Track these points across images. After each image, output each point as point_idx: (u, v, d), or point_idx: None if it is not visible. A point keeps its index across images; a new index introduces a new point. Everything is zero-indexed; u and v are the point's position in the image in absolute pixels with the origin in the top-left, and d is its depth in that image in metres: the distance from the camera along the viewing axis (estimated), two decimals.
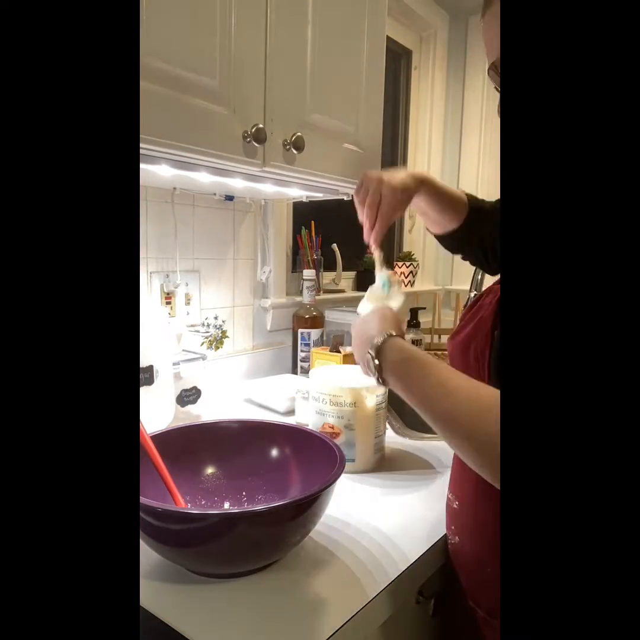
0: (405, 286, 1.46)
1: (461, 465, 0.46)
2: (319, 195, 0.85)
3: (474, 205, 0.60)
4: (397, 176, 0.54)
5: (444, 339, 1.34)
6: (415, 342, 1.17)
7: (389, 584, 0.42)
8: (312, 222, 1.12)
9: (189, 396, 0.70)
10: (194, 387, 0.71)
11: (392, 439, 0.71)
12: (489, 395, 0.32)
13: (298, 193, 0.82)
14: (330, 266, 1.21)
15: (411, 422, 0.80)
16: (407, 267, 1.45)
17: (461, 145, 1.54)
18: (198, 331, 0.84)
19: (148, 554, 0.42)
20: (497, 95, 0.39)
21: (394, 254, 1.54)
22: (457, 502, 0.47)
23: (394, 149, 1.51)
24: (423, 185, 0.56)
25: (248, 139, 0.57)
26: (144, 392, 0.62)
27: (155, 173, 0.60)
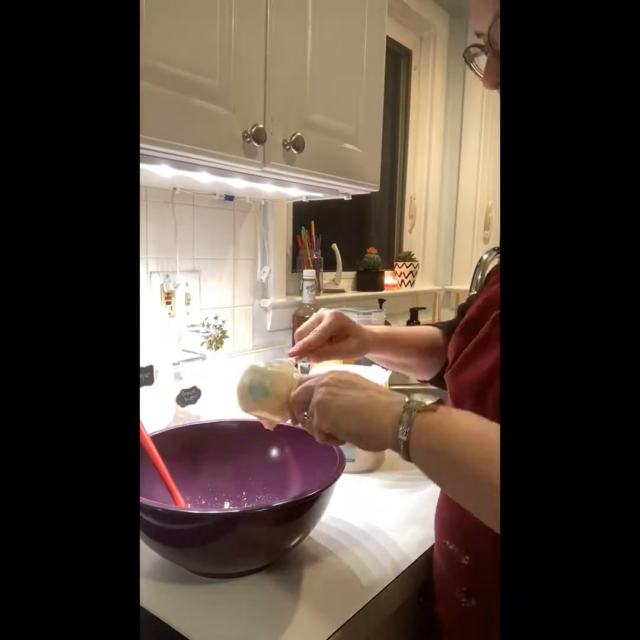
0: (406, 286, 1.46)
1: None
2: (319, 195, 0.85)
3: (450, 330, 0.49)
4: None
5: None
6: None
7: (389, 584, 0.42)
8: (312, 222, 1.12)
9: (189, 396, 0.70)
10: (194, 387, 0.71)
11: None
12: None
13: (298, 193, 0.82)
14: (330, 266, 1.21)
15: None
16: (407, 267, 1.45)
17: (461, 144, 1.54)
18: (198, 331, 0.84)
19: (148, 554, 0.42)
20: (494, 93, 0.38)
21: (394, 254, 1.54)
22: (467, 557, 0.38)
23: (393, 148, 1.51)
24: (379, 345, 0.48)
25: (248, 139, 0.57)
26: (144, 392, 0.62)
27: (155, 173, 0.60)
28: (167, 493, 0.46)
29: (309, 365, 0.71)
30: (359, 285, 1.31)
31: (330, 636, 0.36)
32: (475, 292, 1.18)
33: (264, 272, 1.00)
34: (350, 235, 1.30)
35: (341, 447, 0.48)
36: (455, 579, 0.40)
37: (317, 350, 0.49)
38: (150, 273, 0.80)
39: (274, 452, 0.53)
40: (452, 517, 0.40)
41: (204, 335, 0.84)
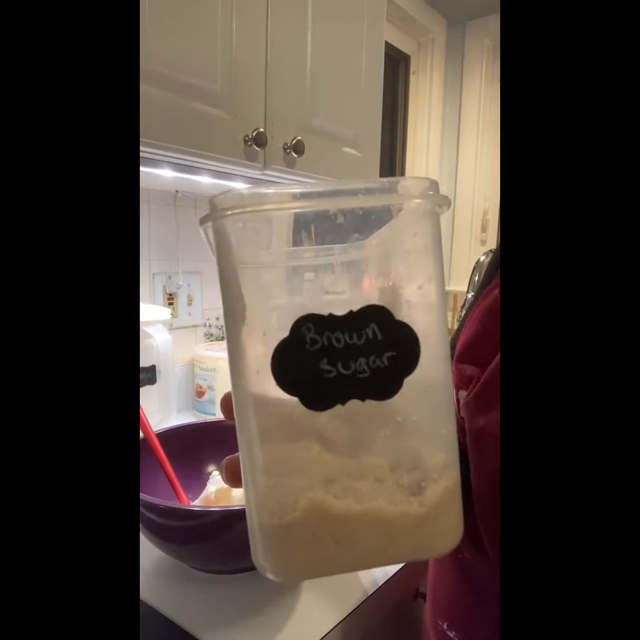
0: None
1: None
2: None
3: None
4: None
5: None
6: None
7: (387, 580, 0.42)
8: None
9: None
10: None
11: None
12: None
13: None
14: None
15: None
16: None
17: (458, 148, 1.55)
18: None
19: (151, 551, 0.43)
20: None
21: None
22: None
23: (392, 152, 1.52)
24: None
25: (249, 143, 0.58)
26: (147, 391, 0.62)
27: (157, 176, 0.61)
28: (171, 491, 0.46)
29: None
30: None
31: (330, 631, 0.36)
32: (473, 294, 1.18)
33: None
34: None
35: None
36: None
37: None
38: (153, 274, 0.81)
39: None
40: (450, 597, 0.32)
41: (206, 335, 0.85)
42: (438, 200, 0.14)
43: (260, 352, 0.13)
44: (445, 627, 0.32)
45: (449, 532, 0.13)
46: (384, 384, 0.12)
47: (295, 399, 0.12)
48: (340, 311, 0.12)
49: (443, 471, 0.13)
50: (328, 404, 0.12)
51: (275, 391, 0.12)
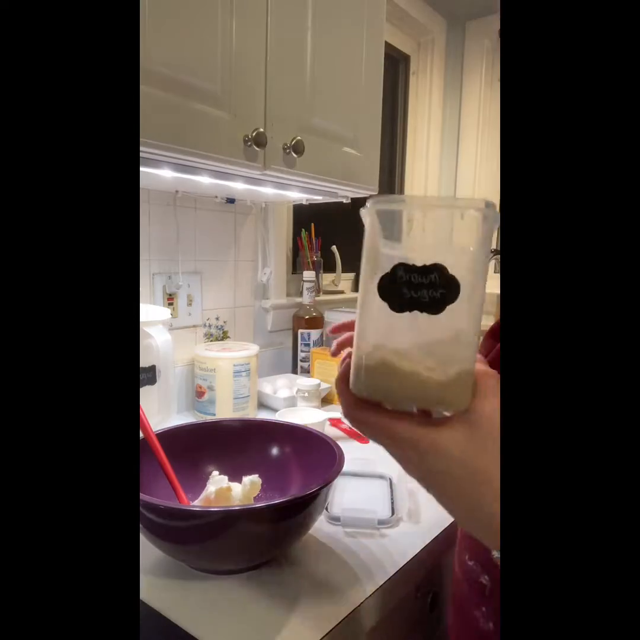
0: None
1: None
2: (318, 198, 0.86)
3: None
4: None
5: None
6: None
7: (387, 580, 0.42)
8: (312, 224, 1.13)
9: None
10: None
11: None
12: None
13: (298, 196, 0.83)
14: (330, 268, 1.22)
15: None
16: None
17: (458, 148, 1.55)
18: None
19: (151, 551, 0.43)
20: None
21: None
22: (486, 577, 0.34)
23: (392, 152, 1.52)
24: None
25: (249, 143, 0.58)
26: (147, 391, 0.62)
27: (157, 176, 0.61)
28: (171, 491, 0.46)
29: None
30: (359, 286, 1.31)
31: (331, 630, 0.37)
32: None
33: (265, 273, 1.01)
34: (349, 237, 1.31)
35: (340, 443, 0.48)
36: (473, 597, 0.36)
37: None
38: (153, 274, 0.81)
39: (275, 451, 0.54)
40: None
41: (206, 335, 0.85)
42: (492, 214, 0.21)
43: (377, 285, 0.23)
44: (466, 557, 0.38)
45: (460, 398, 0.23)
46: (436, 306, 0.21)
47: (386, 306, 0.22)
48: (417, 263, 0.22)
49: (462, 361, 0.22)
50: (403, 310, 0.22)
51: (378, 304, 0.22)
